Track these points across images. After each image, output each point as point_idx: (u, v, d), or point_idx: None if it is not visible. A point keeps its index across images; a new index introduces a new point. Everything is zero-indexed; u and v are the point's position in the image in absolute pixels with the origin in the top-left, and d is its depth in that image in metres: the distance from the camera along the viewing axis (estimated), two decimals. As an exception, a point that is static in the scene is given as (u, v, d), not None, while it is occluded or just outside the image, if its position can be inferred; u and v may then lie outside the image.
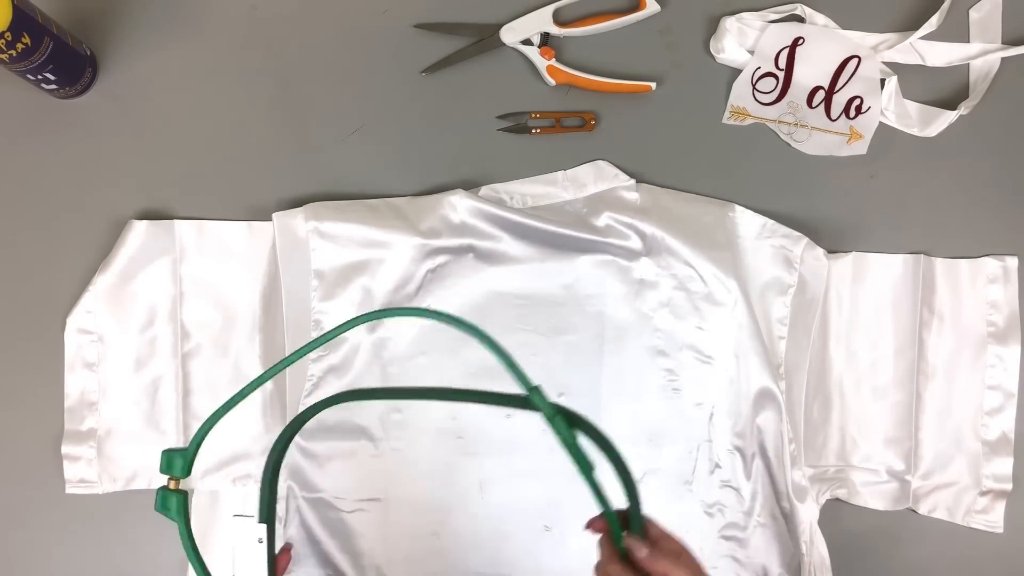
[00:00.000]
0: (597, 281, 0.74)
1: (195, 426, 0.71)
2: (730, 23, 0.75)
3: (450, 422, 0.72)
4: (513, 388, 0.72)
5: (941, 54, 0.77)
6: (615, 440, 0.73)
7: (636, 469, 0.73)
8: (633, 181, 0.75)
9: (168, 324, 0.72)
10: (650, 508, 0.73)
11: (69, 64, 0.70)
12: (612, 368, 0.73)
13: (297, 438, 0.71)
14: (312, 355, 0.71)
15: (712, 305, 0.73)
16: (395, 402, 0.72)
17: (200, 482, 0.71)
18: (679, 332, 0.74)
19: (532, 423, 0.72)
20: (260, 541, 0.55)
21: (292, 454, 0.71)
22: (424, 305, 0.72)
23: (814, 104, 0.76)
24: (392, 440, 0.72)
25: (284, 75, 0.75)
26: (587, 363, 0.73)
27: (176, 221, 0.72)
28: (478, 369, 0.73)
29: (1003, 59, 0.77)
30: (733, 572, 0.73)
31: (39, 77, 0.68)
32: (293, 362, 0.50)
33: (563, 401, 0.72)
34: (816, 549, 0.73)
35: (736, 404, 0.73)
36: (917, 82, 0.77)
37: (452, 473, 0.72)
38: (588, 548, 0.72)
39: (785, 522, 0.73)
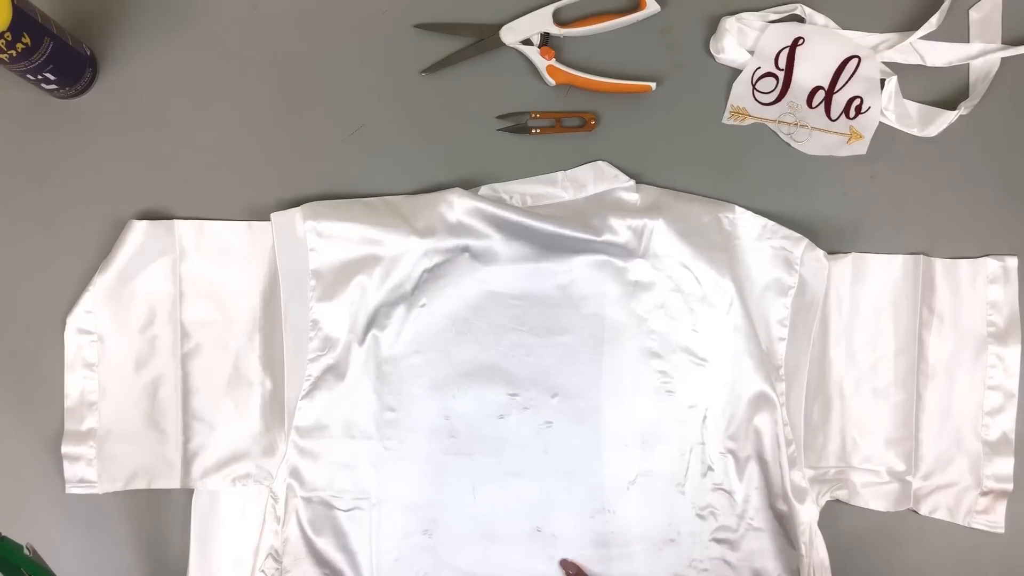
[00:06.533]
0: (592, 282, 0.73)
1: (195, 426, 0.72)
2: (730, 23, 0.75)
3: (443, 421, 0.72)
4: (507, 388, 0.73)
5: (941, 54, 0.77)
6: (609, 441, 0.73)
7: (629, 471, 0.73)
8: (633, 182, 0.75)
9: (168, 324, 0.72)
10: (642, 511, 0.73)
11: (69, 64, 0.70)
12: (606, 369, 0.73)
13: (295, 437, 0.71)
14: (309, 354, 0.71)
15: (707, 307, 0.73)
16: (388, 401, 0.72)
17: (200, 482, 0.71)
18: (673, 334, 0.74)
19: (525, 424, 0.73)
20: None
21: (290, 452, 0.71)
22: (420, 304, 0.72)
23: (814, 104, 0.76)
24: (385, 439, 0.72)
25: (284, 75, 0.75)
26: (582, 364, 0.73)
27: (176, 221, 0.72)
28: (471, 369, 0.73)
29: (1003, 59, 0.77)
30: (724, 575, 0.73)
31: (39, 77, 0.68)
32: None
33: (556, 402, 0.73)
34: (816, 551, 0.73)
35: (730, 406, 0.73)
36: (917, 82, 0.77)
37: (444, 473, 0.72)
38: (578, 549, 0.73)
39: (784, 524, 0.73)
